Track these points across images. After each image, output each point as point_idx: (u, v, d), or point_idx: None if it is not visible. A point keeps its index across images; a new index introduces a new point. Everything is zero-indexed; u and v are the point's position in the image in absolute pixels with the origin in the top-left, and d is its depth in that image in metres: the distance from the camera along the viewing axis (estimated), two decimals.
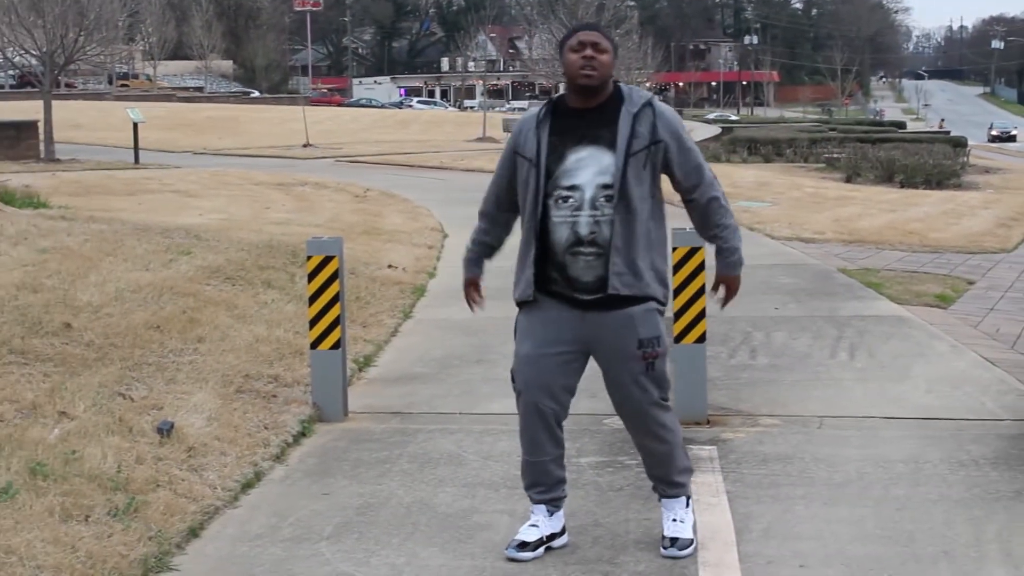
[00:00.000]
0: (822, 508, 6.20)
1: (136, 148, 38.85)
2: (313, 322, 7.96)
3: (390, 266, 14.50)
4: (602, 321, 5.34)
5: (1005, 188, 34.23)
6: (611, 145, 5.25)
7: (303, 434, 7.58)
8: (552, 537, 5.62)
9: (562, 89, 5.50)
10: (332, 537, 5.84)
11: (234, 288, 11.50)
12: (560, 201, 5.30)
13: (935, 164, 34.23)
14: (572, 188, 5.28)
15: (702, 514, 6.00)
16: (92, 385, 7.66)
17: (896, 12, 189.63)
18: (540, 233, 5.37)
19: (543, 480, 5.63)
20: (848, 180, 34.35)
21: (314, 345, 7.99)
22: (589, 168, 5.27)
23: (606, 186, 5.24)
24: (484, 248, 5.93)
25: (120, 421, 7.02)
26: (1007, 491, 6.45)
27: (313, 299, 7.93)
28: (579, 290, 5.33)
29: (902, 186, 32.55)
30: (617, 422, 7.72)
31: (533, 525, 5.60)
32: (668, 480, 5.62)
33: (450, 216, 22.04)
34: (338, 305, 7.92)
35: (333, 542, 5.77)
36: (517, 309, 5.59)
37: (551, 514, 5.64)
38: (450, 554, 5.60)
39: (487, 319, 11.58)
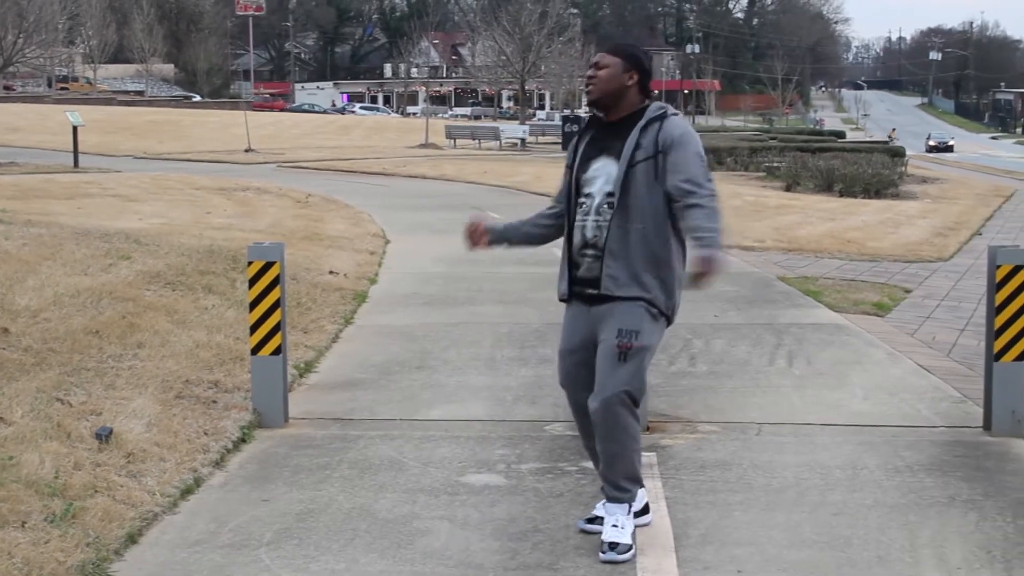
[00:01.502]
0: (760, 514, 6.25)
1: (76, 152, 38.56)
2: (254, 328, 7.93)
3: (331, 272, 14.47)
4: (598, 312, 5.66)
5: (942, 198, 34.63)
6: (619, 156, 5.58)
7: (243, 440, 7.55)
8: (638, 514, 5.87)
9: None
10: (272, 543, 5.82)
11: (174, 293, 11.45)
12: (579, 207, 5.74)
13: (874, 173, 34.57)
14: (587, 196, 5.68)
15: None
16: (30, 390, 7.59)
17: (836, 23, 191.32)
18: (569, 236, 5.80)
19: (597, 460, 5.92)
20: (788, 189, 34.63)
21: (255, 351, 7.96)
22: (600, 177, 5.64)
23: (610, 194, 5.58)
24: (526, 223, 6.17)
25: (58, 427, 6.96)
26: (941, 497, 6.54)
27: (254, 305, 7.90)
28: (585, 286, 5.71)
29: (841, 195, 32.85)
30: (557, 429, 7.78)
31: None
32: (614, 483, 5.72)
33: (392, 222, 22.05)
34: (279, 311, 7.90)
35: (273, 548, 5.75)
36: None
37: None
38: (390, 560, 5.60)
39: (426, 326, 11.64)
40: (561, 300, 5.88)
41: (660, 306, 5.60)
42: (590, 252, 5.65)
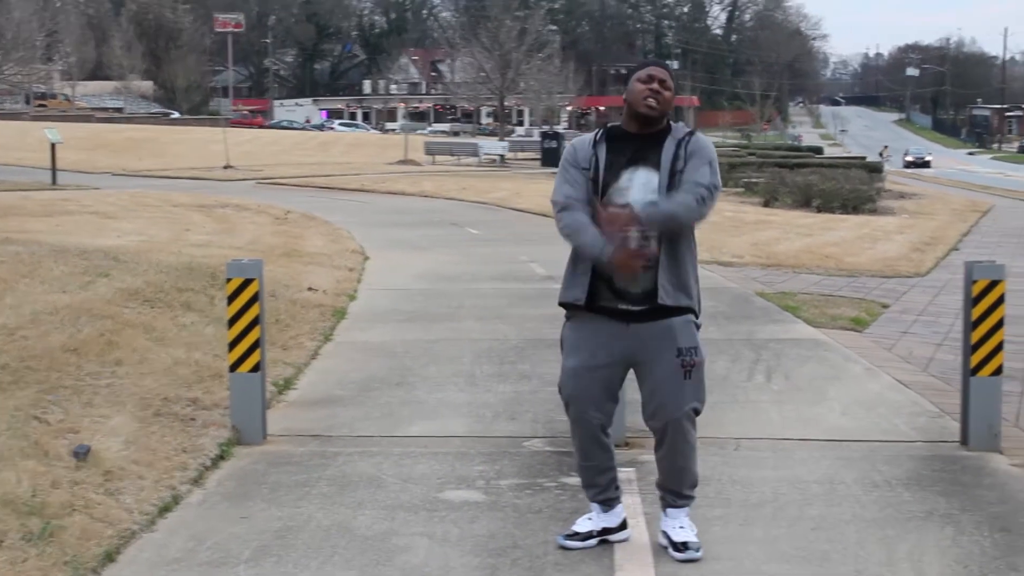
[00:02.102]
0: (738, 529, 6.27)
1: (54, 169, 38.50)
2: (232, 344, 7.93)
3: (310, 288, 14.46)
4: (645, 332, 5.63)
5: (919, 213, 34.79)
6: (657, 166, 5.60)
7: (222, 457, 7.54)
8: (608, 531, 5.94)
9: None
10: (250, 561, 5.81)
11: (153, 310, 11.42)
12: None
13: (851, 189, 34.72)
14: (624, 206, 5.55)
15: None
16: (7, 408, 7.57)
17: (814, 39, 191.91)
18: None
19: (595, 482, 5.94)
20: (766, 204, 34.76)
21: (233, 368, 7.95)
22: (638, 187, 5.60)
23: (653, 203, 5.54)
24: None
25: (36, 445, 6.94)
26: (919, 511, 6.57)
27: (232, 321, 7.90)
28: (627, 301, 5.61)
29: (819, 211, 32.97)
30: (536, 445, 7.79)
31: (588, 518, 5.97)
32: (679, 492, 5.89)
33: (371, 238, 22.06)
34: (258, 328, 7.90)
35: (251, 566, 5.75)
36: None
37: (606, 511, 5.95)
38: None
39: (406, 342, 11.64)
40: (575, 306, 5.70)
41: (699, 315, 5.76)
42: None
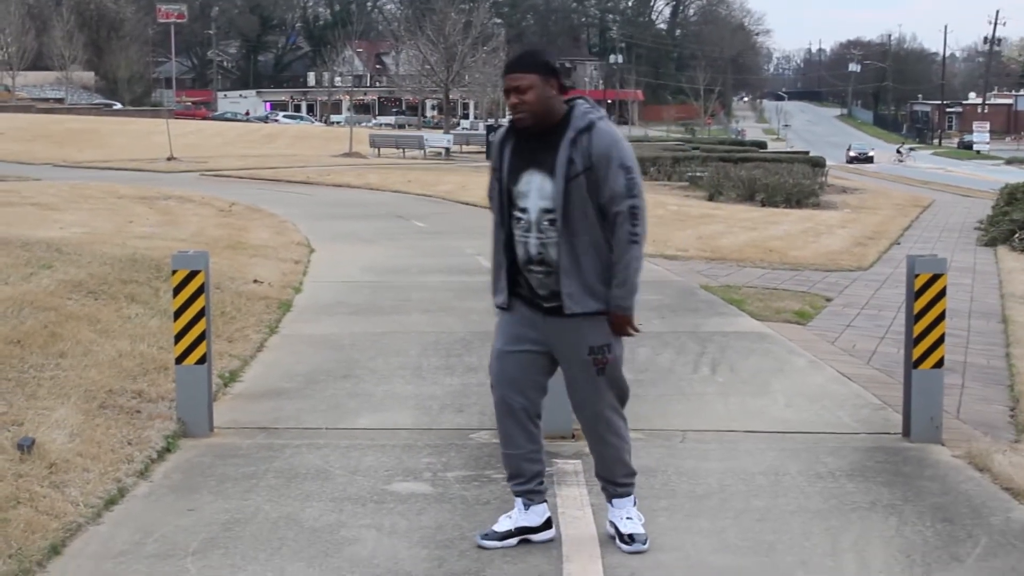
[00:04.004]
0: (684, 520, 6.31)
1: None
2: (178, 337, 7.89)
3: (256, 281, 14.40)
4: (558, 326, 5.64)
5: (862, 208, 35.07)
6: (551, 171, 5.49)
7: (168, 450, 7.50)
8: (528, 531, 5.88)
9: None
10: (198, 553, 5.79)
11: (97, 302, 11.34)
12: (516, 220, 5.64)
13: (795, 184, 34.95)
14: (522, 210, 5.58)
15: (567, 527, 6.08)
16: None
17: (757, 34, 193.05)
18: (509, 247, 5.68)
19: (520, 472, 5.88)
20: (711, 198, 34.93)
21: (179, 360, 7.92)
22: (533, 192, 5.55)
23: (547, 210, 5.51)
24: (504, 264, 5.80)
25: None
26: (862, 502, 6.64)
27: (178, 314, 7.86)
28: (539, 298, 5.66)
29: (763, 205, 33.18)
30: (483, 437, 7.81)
31: (508, 516, 5.92)
32: (614, 481, 5.90)
33: (317, 231, 21.98)
34: (203, 320, 7.86)
35: (199, 558, 5.73)
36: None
37: (527, 508, 5.89)
38: (317, 569, 5.60)
39: (353, 335, 11.62)
40: (500, 308, 5.79)
41: (632, 320, 5.69)
42: (538, 269, 5.58)
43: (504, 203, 5.64)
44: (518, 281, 5.69)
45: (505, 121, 6.59)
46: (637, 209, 5.50)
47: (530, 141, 5.59)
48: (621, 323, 5.61)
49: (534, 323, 5.67)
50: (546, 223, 5.52)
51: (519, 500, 5.91)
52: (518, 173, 5.58)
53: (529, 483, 5.88)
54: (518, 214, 5.60)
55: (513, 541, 5.85)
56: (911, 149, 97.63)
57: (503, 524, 5.90)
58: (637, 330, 5.69)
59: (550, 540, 5.91)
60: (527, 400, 5.77)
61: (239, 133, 78.77)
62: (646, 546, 5.79)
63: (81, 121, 78.45)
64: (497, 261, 5.75)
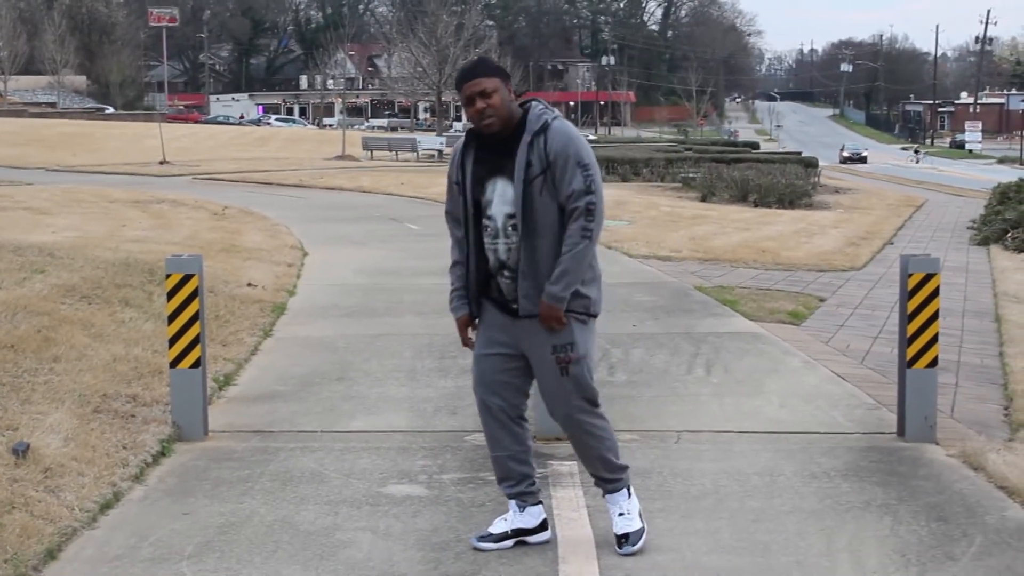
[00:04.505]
0: (680, 521, 6.32)
1: None
2: (172, 341, 7.89)
3: (249, 284, 14.39)
4: (526, 327, 5.65)
5: (855, 208, 35.10)
6: (511, 176, 5.52)
7: (162, 454, 7.51)
8: (523, 532, 5.89)
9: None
10: (193, 556, 5.79)
11: (91, 307, 11.33)
12: (485, 229, 5.67)
13: (787, 184, 34.95)
14: (489, 218, 5.62)
15: (563, 529, 6.09)
16: None
17: (749, 35, 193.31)
18: (479, 256, 5.71)
19: (508, 474, 5.90)
20: (704, 199, 34.92)
21: (173, 364, 7.92)
22: (498, 199, 5.58)
23: (511, 215, 5.55)
24: (464, 275, 5.85)
25: None
26: (857, 502, 6.65)
27: (172, 318, 7.86)
28: (508, 301, 5.69)
29: (756, 205, 33.19)
30: (478, 439, 7.81)
31: (503, 519, 5.93)
32: (600, 476, 5.90)
33: (310, 234, 21.97)
34: (198, 324, 7.86)
35: (194, 562, 5.73)
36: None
37: (521, 509, 5.90)
38: (312, 572, 5.60)
39: (346, 337, 11.62)
40: (474, 317, 5.83)
41: (585, 310, 5.65)
42: (508, 274, 5.63)
43: (468, 216, 5.67)
44: (490, 285, 5.72)
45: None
46: (594, 205, 5.50)
47: (490, 149, 5.62)
48: (549, 313, 5.54)
49: (505, 327, 5.71)
50: (511, 228, 5.56)
51: (513, 502, 5.92)
52: (483, 182, 5.62)
53: (519, 485, 5.89)
54: (486, 222, 5.63)
55: (509, 543, 5.86)
56: (925, 152, 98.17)
57: (498, 526, 5.92)
58: (563, 323, 5.59)
59: (546, 542, 5.92)
60: (504, 401, 5.78)
61: (231, 136, 78.75)
62: (636, 547, 5.76)
63: (74, 125, 78.35)
64: (468, 271, 5.75)
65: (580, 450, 5.91)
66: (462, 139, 5.79)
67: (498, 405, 5.78)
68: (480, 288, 5.75)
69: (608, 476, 5.89)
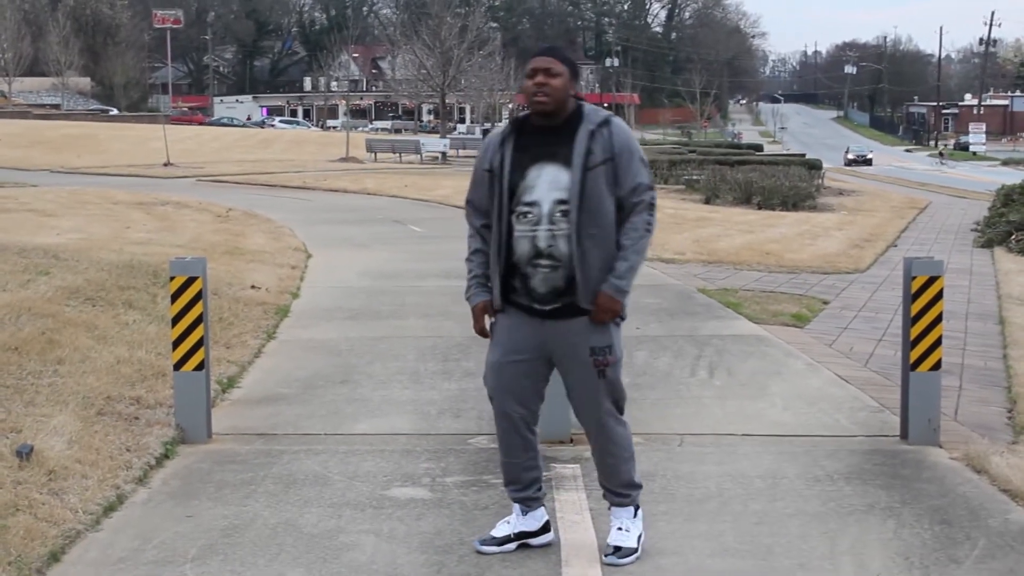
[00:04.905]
0: (683, 524, 6.32)
1: None
2: (176, 343, 7.90)
3: (253, 286, 14.40)
4: (558, 329, 5.59)
5: (858, 210, 35.08)
6: (567, 162, 5.48)
7: (166, 456, 7.51)
8: (526, 535, 5.88)
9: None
10: (197, 559, 5.80)
11: (95, 309, 11.35)
12: (521, 216, 5.55)
13: (791, 186, 34.95)
14: (531, 204, 5.52)
15: (566, 532, 6.09)
16: None
17: (753, 37, 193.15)
18: (507, 246, 5.59)
19: (517, 479, 5.88)
20: (707, 201, 34.93)
21: (177, 366, 7.92)
22: (545, 185, 5.50)
23: (561, 201, 5.47)
24: (484, 263, 5.81)
25: None
26: (860, 505, 6.65)
27: (176, 320, 7.86)
28: (536, 301, 5.58)
29: (760, 207, 33.18)
30: (481, 442, 7.82)
31: (506, 522, 5.92)
32: (612, 490, 5.87)
33: (314, 236, 21.98)
34: (201, 326, 7.87)
35: (198, 564, 5.73)
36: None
37: (525, 513, 5.88)
38: (316, 574, 5.60)
39: (350, 340, 11.62)
40: (496, 311, 5.73)
41: (621, 312, 5.63)
42: (545, 263, 5.50)
43: (502, 203, 5.57)
44: (512, 287, 5.62)
45: (502, 125, 6.56)
46: (655, 202, 5.61)
47: (538, 136, 5.59)
48: (609, 306, 5.52)
49: (531, 331, 5.62)
50: (559, 214, 5.46)
51: (517, 505, 5.91)
52: (523, 168, 5.54)
53: (526, 490, 5.88)
54: (524, 208, 5.51)
55: (512, 546, 5.85)
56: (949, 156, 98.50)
57: (501, 529, 5.91)
58: (623, 317, 5.63)
59: (548, 544, 5.92)
60: (527, 411, 5.76)
61: (236, 138, 78.76)
62: (622, 562, 5.68)
63: (78, 127, 78.40)
64: (492, 263, 5.66)
65: (602, 456, 5.83)
66: (502, 127, 5.78)
67: (519, 414, 5.73)
68: (502, 283, 5.63)
69: (618, 490, 5.84)
